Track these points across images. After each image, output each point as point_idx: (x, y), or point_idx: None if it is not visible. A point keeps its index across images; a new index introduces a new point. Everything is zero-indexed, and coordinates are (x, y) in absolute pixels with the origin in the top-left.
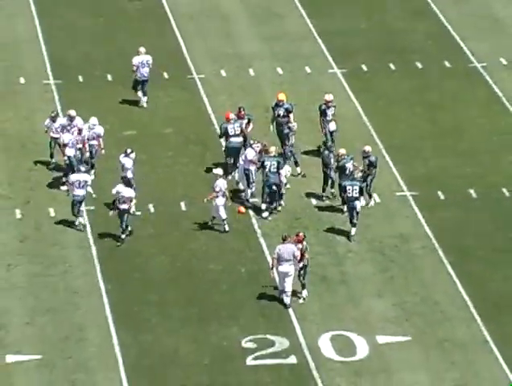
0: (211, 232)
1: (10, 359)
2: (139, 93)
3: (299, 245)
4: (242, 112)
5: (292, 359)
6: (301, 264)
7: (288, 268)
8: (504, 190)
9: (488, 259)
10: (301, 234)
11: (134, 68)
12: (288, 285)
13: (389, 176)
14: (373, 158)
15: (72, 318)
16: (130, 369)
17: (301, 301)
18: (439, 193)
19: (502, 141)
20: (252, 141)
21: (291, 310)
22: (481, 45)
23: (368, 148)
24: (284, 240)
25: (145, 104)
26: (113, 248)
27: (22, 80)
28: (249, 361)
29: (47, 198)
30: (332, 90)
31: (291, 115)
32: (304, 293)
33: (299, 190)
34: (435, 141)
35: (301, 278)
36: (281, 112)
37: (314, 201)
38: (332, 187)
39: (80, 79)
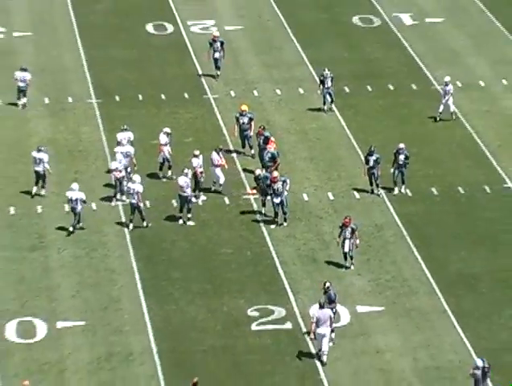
0: (223, 222)
1: (60, 324)
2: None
3: (353, 225)
4: (261, 130)
5: (288, 325)
6: (358, 241)
7: (325, 330)
8: (460, 188)
9: (447, 244)
10: (347, 219)
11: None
12: (325, 345)
13: (367, 177)
14: (407, 153)
15: (110, 292)
16: (156, 333)
17: (352, 267)
18: (407, 191)
19: (459, 149)
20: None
21: (287, 285)
22: (441, 71)
23: (402, 145)
24: (322, 307)
25: None
26: (143, 235)
27: (70, 100)
28: (254, 327)
29: (90, 195)
30: (320, 107)
31: (253, 123)
32: (352, 265)
33: (293, 187)
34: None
35: (351, 253)
36: (245, 120)
37: (305, 196)
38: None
39: (117, 98)
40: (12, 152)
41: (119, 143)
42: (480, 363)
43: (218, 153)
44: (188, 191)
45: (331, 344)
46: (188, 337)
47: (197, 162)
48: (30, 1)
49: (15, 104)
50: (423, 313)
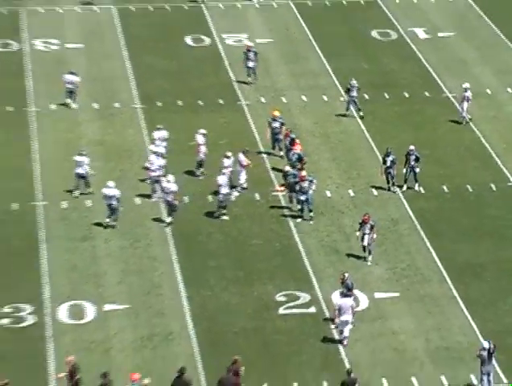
0: (254, 216)
1: (107, 307)
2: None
3: (371, 222)
4: (288, 132)
5: (312, 309)
6: (375, 236)
7: (347, 317)
8: (468, 187)
9: (456, 237)
10: (367, 216)
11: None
12: (346, 331)
13: (384, 176)
14: (417, 154)
15: (152, 279)
16: (193, 316)
17: (369, 263)
18: (421, 188)
19: (468, 151)
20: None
21: (311, 273)
22: (451, 80)
23: (412, 147)
24: (344, 296)
25: None
26: (182, 227)
27: (117, 105)
28: (281, 311)
29: (134, 190)
30: (342, 113)
31: (284, 127)
32: (370, 258)
33: (317, 185)
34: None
35: (370, 247)
36: (277, 124)
37: (328, 193)
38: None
39: (159, 104)
40: (64, 152)
41: (154, 141)
42: (486, 344)
43: (245, 154)
44: (225, 190)
45: (351, 327)
46: (222, 319)
47: (228, 163)
48: (82, 15)
49: (67, 106)
50: (434, 299)
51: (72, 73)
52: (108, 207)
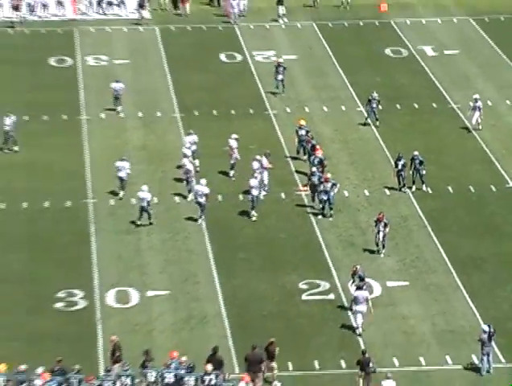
0: (280, 213)
1: (150, 293)
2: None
3: (385, 220)
4: (309, 138)
5: (331, 296)
6: (387, 230)
7: (362, 307)
8: (471, 187)
9: (460, 232)
10: (381, 215)
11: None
12: (359, 320)
13: (395, 178)
14: (421, 158)
15: (189, 268)
16: (226, 301)
17: (382, 255)
18: (428, 189)
19: (470, 157)
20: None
21: (330, 264)
22: (456, 93)
23: (416, 152)
24: (359, 289)
25: None
26: (216, 223)
27: (158, 114)
28: (304, 297)
29: (173, 189)
30: (359, 121)
31: (309, 134)
32: (383, 251)
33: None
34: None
35: (383, 242)
36: (303, 132)
37: (346, 193)
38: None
39: (196, 113)
40: (112, 155)
41: (187, 143)
42: (486, 328)
43: (267, 158)
44: (256, 192)
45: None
46: (251, 305)
47: (257, 165)
48: (128, 34)
49: (115, 112)
50: (440, 287)
51: (117, 81)
52: (139, 208)
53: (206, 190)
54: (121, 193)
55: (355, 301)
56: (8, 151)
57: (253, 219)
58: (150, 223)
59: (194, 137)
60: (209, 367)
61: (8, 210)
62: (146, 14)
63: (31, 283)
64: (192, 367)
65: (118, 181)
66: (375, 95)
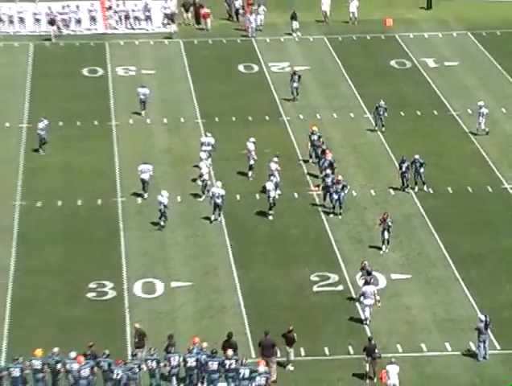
0: (293, 211)
1: (174, 284)
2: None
3: (389, 220)
4: (320, 143)
5: (340, 288)
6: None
7: (370, 301)
8: (469, 188)
9: (459, 229)
10: (386, 215)
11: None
12: (367, 313)
13: (400, 179)
14: (422, 161)
15: (210, 261)
16: (243, 292)
17: (386, 251)
18: (430, 189)
19: (469, 160)
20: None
21: (339, 258)
22: (455, 102)
23: (417, 156)
24: (367, 283)
25: None
26: (234, 220)
27: (182, 120)
28: (315, 289)
29: (196, 190)
30: (367, 128)
31: (321, 139)
32: (386, 249)
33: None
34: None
35: (388, 239)
36: (315, 137)
37: (354, 192)
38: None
39: (216, 119)
40: (140, 158)
41: (202, 144)
42: (483, 317)
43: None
44: (273, 194)
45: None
46: (266, 296)
47: (275, 167)
48: (154, 47)
49: (141, 116)
50: (440, 280)
51: (142, 86)
52: (159, 211)
53: (222, 191)
54: (146, 194)
55: (363, 295)
56: (43, 153)
57: (270, 218)
58: (162, 227)
59: (210, 140)
60: (230, 352)
61: (44, 208)
62: (175, 28)
63: (66, 275)
64: (215, 353)
65: (141, 183)
66: (382, 103)
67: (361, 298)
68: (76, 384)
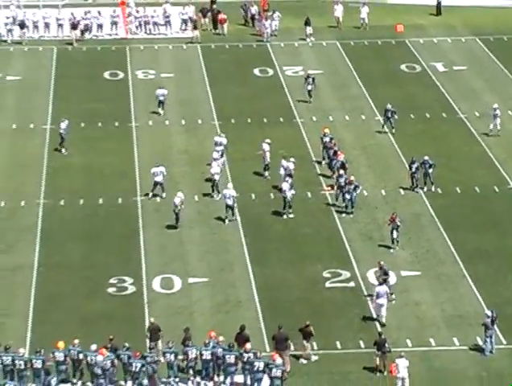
0: (306, 211)
1: (191, 280)
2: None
3: (398, 220)
4: (332, 145)
5: (352, 284)
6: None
7: (383, 301)
8: (476, 188)
9: (466, 227)
10: (394, 215)
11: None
12: (383, 311)
13: (409, 180)
14: (431, 162)
15: (226, 258)
16: (258, 287)
17: (397, 249)
18: (438, 189)
19: (476, 161)
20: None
21: (351, 255)
22: (463, 105)
23: (426, 157)
24: (381, 284)
25: None
26: (249, 218)
27: (199, 121)
28: (327, 285)
29: (210, 189)
30: (377, 129)
31: (333, 141)
32: (396, 247)
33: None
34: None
35: (397, 238)
36: (327, 139)
37: (365, 192)
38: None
39: (232, 121)
40: (160, 157)
41: (215, 144)
42: (489, 313)
43: (285, 160)
44: (289, 194)
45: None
46: (280, 291)
47: (292, 166)
48: (173, 51)
49: (158, 115)
50: (448, 277)
51: (160, 88)
52: (174, 212)
53: (233, 192)
54: (151, 194)
55: (377, 295)
56: (65, 152)
57: (285, 217)
58: (175, 227)
59: (223, 140)
60: (249, 345)
61: (67, 206)
62: (197, 34)
63: (87, 270)
64: (233, 346)
65: (153, 186)
66: (389, 106)
67: (375, 298)
68: (100, 376)
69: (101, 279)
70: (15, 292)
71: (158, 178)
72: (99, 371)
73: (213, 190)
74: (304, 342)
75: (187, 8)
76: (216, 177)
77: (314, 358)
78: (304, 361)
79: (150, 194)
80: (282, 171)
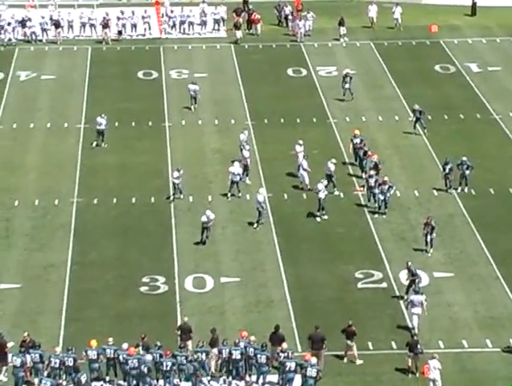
0: (339, 210)
1: (223, 280)
2: None
3: (433, 223)
4: (362, 145)
5: (384, 285)
6: (434, 235)
7: (418, 310)
8: (510, 189)
9: (500, 228)
10: (429, 219)
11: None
12: (415, 321)
13: (442, 181)
14: (469, 163)
15: (257, 257)
16: (290, 287)
17: (429, 254)
18: (472, 190)
19: (510, 162)
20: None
21: (383, 256)
22: (497, 105)
23: (464, 158)
24: (417, 292)
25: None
26: (281, 218)
27: (232, 121)
28: (359, 285)
29: (245, 189)
30: (410, 130)
31: (363, 142)
32: (431, 250)
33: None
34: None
35: (432, 241)
36: (358, 141)
37: (398, 193)
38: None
39: (265, 121)
40: (193, 157)
41: (242, 144)
42: None
43: (307, 160)
44: (323, 195)
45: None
46: (313, 291)
47: (333, 167)
48: (206, 51)
49: (190, 109)
50: (481, 278)
51: (193, 83)
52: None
53: (261, 198)
54: (182, 195)
55: (411, 303)
56: (104, 146)
57: (325, 217)
58: (207, 237)
59: (242, 137)
60: (285, 345)
61: (100, 205)
62: (240, 34)
63: (120, 269)
64: (266, 346)
65: (172, 187)
66: (417, 106)
67: (409, 307)
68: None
69: (134, 277)
70: (49, 290)
71: (177, 181)
72: (145, 370)
73: (230, 189)
74: (348, 342)
75: (219, 8)
76: (237, 179)
77: (359, 362)
78: (359, 361)
79: (182, 195)
80: (301, 171)
